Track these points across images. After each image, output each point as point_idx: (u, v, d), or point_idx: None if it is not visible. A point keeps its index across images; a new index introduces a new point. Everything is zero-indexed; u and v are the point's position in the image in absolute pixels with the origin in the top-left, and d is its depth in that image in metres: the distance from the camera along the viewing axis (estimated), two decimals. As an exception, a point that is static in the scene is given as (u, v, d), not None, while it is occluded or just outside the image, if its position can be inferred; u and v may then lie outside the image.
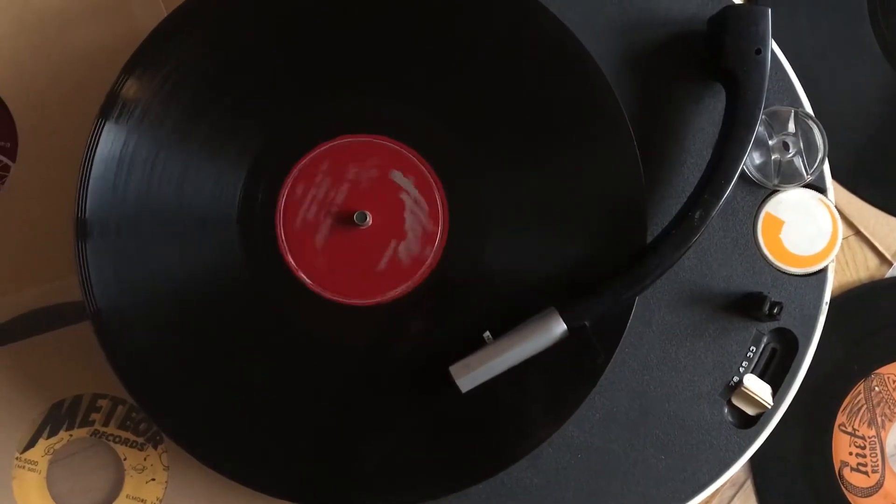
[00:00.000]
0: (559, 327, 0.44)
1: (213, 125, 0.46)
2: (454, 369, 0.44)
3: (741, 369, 0.47)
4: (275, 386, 0.46)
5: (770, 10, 0.45)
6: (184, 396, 0.46)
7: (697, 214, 0.44)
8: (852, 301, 0.54)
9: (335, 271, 0.46)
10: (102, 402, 0.53)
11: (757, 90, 0.44)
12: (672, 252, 0.44)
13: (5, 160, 0.55)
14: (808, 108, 0.48)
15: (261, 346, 0.46)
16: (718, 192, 0.44)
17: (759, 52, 0.45)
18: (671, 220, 0.45)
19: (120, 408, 0.53)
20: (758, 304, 0.46)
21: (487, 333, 0.45)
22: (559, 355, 0.45)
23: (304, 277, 0.46)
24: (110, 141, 0.45)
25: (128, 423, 0.53)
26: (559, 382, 0.46)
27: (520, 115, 0.47)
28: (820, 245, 0.48)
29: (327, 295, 0.46)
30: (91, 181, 0.45)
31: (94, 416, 0.53)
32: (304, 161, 0.46)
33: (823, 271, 0.48)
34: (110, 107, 0.45)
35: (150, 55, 0.46)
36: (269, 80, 0.46)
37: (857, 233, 0.55)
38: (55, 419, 0.53)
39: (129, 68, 0.46)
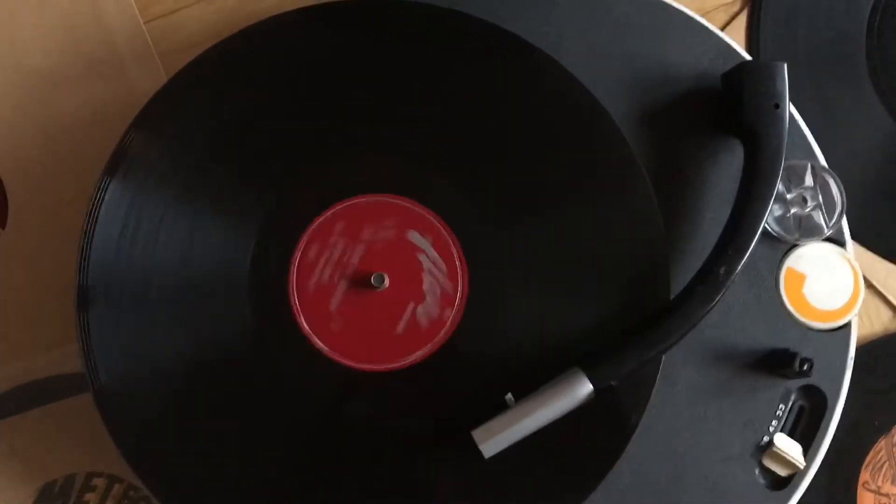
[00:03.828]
0: (585, 388, 0.42)
1: (223, 185, 0.44)
2: (477, 434, 0.42)
3: (770, 428, 0.46)
4: (291, 461, 0.43)
5: (786, 65, 0.45)
6: (194, 474, 0.43)
7: (722, 270, 0.43)
8: (868, 355, 0.53)
9: (352, 336, 0.44)
10: (98, 481, 0.50)
11: (777, 144, 0.44)
12: (698, 308, 0.43)
13: (-6, 226, 0.53)
14: (823, 162, 0.48)
15: (275, 419, 0.44)
16: (743, 247, 0.43)
17: (777, 106, 0.45)
18: (694, 276, 0.44)
19: (117, 486, 0.50)
20: (787, 362, 0.45)
21: (510, 396, 0.43)
22: (585, 419, 0.43)
23: (320, 344, 0.44)
24: (115, 202, 0.43)
25: (125, 502, 0.50)
26: (586, 447, 0.44)
27: (537, 173, 0.46)
28: (842, 299, 0.47)
29: (345, 362, 0.44)
30: (94, 245, 0.43)
31: (88, 496, 0.50)
32: (317, 222, 0.45)
33: (847, 326, 0.47)
34: (116, 166, 0.43)
35: (157, 113, 0.44)
36: (281, 139, 0.45)
37: (869, 286, 0.54)
38: (47, 500, 0.49)
39: (137, 126, 0.44)
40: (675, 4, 0.49)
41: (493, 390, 0.43)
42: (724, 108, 0.47)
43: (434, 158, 0.46)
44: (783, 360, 0.45)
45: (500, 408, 0.43)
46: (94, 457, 0.50)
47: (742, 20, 0.56)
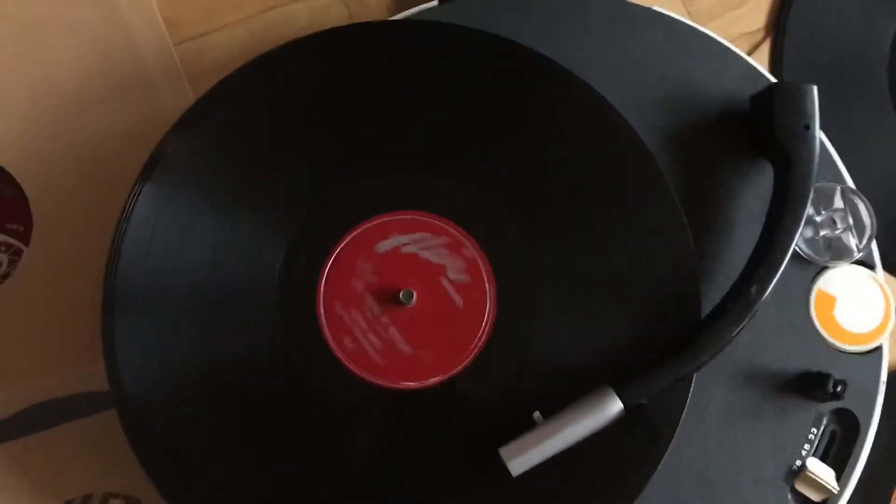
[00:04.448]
0: (615, 406, 0.42)
1: (256, 197, 0.45)
2: (505, 452, 0.42)
3: (803, 452, 0.45)
4: (320, 478, 0.43)
5: (816, 88, 0.45)
6: (218, 492, 0.42)
7: (754, 289, 0.43)
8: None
9: (376, 351, 0.44)
10: (115, 502, 0.49)
11: (808, 164, 0.44)
12: (729, 327, 0.43)
13: (18, 244, 0.53)
14: (852, 184, 0.48)
15: (303, 435, 0.43)
16: (774, 267, 0.43)
17: (807, 127, 0.45)
18: (725, 295, 0.44)
19: (134, 507, 0.49)
20: (820, 383, 0.44)
21: (537, 413, 0.42)
22: (615, 439, 0.43)
23: (345, 360, 0.44)
24: (148, 207, 0.43)
25: (142, 523, 0.49)
26: (616, 469, 0.43)
27: (567, 194, 0.46)
28: (874, 322, 0.47)
29: (370, 378, 0.44)
30: (124, 249, 0.43)
31: (105, 516, 0.49)
32: (349, 237, 0.45)
33: (879, 349, 0.47)
34: (151, 170, 0.44)
35: (194, 123, 0.45)
36: (315, 155, 0.45)
37: (896, 313, 0.54)
38: (63, 521, 0.49)
39: (174, 133, 0.44)
40: (701, 28, 0.49)
41: (521, 411, 0.43)
42: (753, 129, 0.47)
43: (468, 178, 0.46)
44: (815, 382, 0.45)
45: (528, 426, 0.42)
46: (112, 477, 0.49)
47: (765, 48, 0.57)
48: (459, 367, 0.44)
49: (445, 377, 0.44)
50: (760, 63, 0.55)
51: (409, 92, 0.46)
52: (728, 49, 0.49)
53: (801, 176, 0.44)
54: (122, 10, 0.55)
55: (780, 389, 0.46)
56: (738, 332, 0.43)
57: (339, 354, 0.44)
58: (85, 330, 0.50)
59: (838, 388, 0.44)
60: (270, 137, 0.46)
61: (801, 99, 0.45)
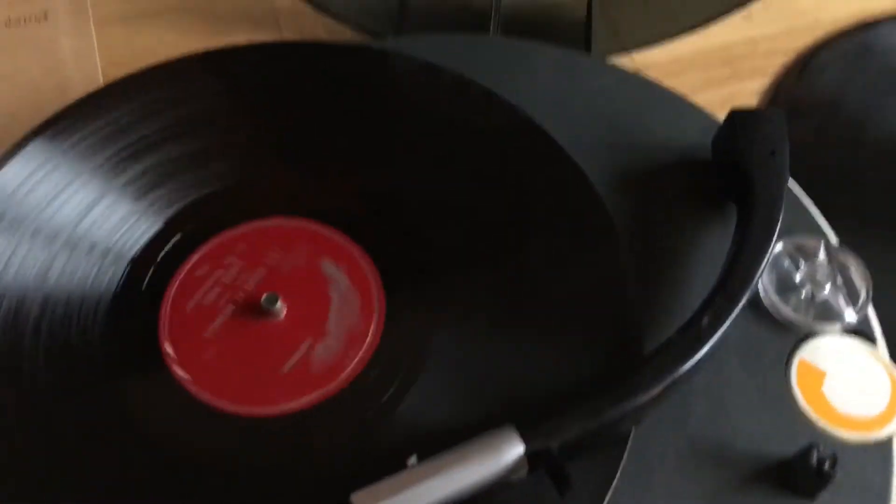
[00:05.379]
0: (514, 449, 0.31)
1: (137, 180, 0.39)
2: (358, 498, 0.30)
3: (784, 565, 0.32)
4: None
5: (783, 113, 0.39)
6: None
7: (706, 321, 0.33)
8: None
9: (227, 370, 0.35)
10: None
11: (776, 191, 0.37)
12: (673, 364, 0.32)
13: None
14: (836, 243, 0.39)
15: (109, 456, 0.33)
16: (734, 297, 0.34)
17: (773, 153, 0.38)
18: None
19: None
20: (802, 461, 0.32)
21: (413, 459, 0.31)
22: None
23: (181, 372, 0.34)
24: (30, 156, 0.39)
25: None
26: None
27: (488, 209, 0.39)
28: (877, 408, 0.35)
29: (207, 399, 0.34)
30: None
31: None
32: (222, 236, 0.38)
33: (888, 444, 0.35)
34: (42, 130, 0.40)
35: (98, 102, 0.41)
36: (220, 141, 0.41)
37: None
38: None
39: (77, 106, 0.41)
40: (659, 82, 0.44)
41: (398, 456, 0.32)
42: (717, 175, 0.40)
43: (372, 190, 0.39)
44: (797, 464, 0.33)
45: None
46: None
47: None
48: (322, 397, 0.34)
49: (301, 407, 0.34)
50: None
51: (338, 114, 0.42)
52: (687, 102, 0.44)
53: (766, 202, 0.36)
54: (65, 66, 0.54)
55: (753, 478, 0.34)
56: (683, 372, 0.32)
57: (169, 360, 0.34)
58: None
59: (826, 465, 0.32)
60: (159, 132, 0.41)
61: (766, 124, 0.38)
